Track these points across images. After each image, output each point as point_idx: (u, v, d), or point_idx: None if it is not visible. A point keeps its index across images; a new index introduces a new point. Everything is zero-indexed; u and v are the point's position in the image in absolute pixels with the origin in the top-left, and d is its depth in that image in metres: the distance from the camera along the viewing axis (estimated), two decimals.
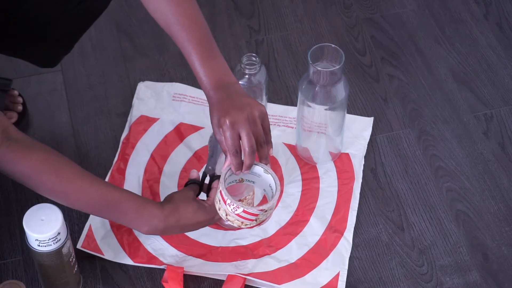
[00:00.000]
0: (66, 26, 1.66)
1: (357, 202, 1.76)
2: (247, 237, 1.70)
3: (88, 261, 1.68)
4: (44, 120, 1.90)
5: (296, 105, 1.81)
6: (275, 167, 1.81)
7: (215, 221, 1.58)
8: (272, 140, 1.84)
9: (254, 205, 1.72)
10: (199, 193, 1.59)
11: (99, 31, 2.05)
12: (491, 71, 2.00)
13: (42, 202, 1.54)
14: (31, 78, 1.97)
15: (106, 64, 2.00)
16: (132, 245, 1.69)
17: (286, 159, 1.82)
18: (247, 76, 1.72)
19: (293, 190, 1.77)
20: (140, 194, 1.76)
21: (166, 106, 1.90)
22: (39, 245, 1.50)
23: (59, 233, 1.50)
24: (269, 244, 1.69)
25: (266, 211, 1.51)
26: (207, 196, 1.58)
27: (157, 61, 2.01)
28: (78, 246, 1.68)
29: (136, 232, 1.70)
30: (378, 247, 1.71)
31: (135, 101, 1.91)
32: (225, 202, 1.49)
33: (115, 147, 1.85)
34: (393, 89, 1.96)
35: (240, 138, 1.48)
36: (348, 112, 1.85)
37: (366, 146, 1.85)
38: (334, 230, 1.71)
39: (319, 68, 1.65)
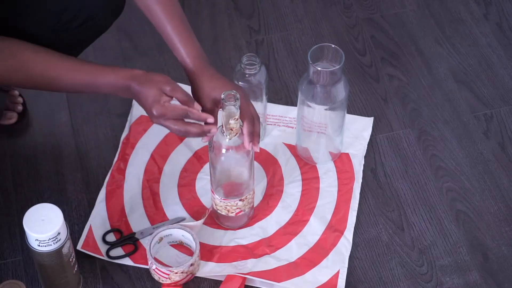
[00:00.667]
0: (69, 42, 1.67)
1: (357, 202, 1.76)
2: (247, 236, 1.70)
3: (88, 261, 1.68)
4: (44, 120, 1.90)
5: (296, 105, 1.81)
6: (275, 167, 1.81)
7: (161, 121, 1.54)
8: (272, 140, 1.86)
9: (254, 206, 1.73)
10: None
11: None
12: (491, 71, 2.00)
13: (42, 202, 1.54)
14: None
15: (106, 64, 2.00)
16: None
17: (286, 159, 1.82)
18: (247, 76, 1.72)
19: (293, 190, 1.77)
20: (140, 194, 1.76)
21: None
22: (39, 245, 1.50)
23: (59, 233, 1.50)
24: (269, 243, 1.69)
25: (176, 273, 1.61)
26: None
27: (157, 61, 2.01)
28: (78, 247, 1.68)
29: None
30: (378, 247, 1.71)
31: (135, 101, 1.91)
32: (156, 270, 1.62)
33: (115, 147, 1.85)
34: (393, 89, 1.97)
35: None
36: (348, 112, 1.85)
37: (366, 146, 1.85)
38: (334, 229, 1.71)
39: (319, 68, 1.65)
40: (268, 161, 1.82)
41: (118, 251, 1.68)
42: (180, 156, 1.83)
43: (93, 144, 1.86)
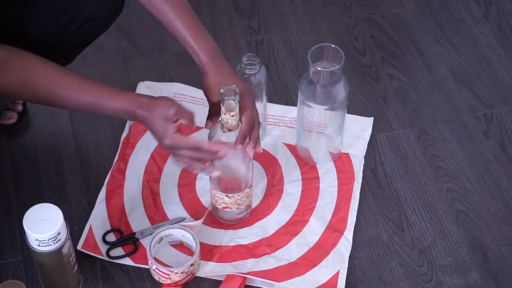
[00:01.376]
0: (69, 43, 1.67)
1: (357, 202, 1.76)
2: (247, 236, 1.70)
3: (88, 261, 1.68)
4: (44, 120, 1.90)
5: (296, 105, 1.81)
6: (275, 167, 1.81)
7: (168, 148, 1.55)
8: (272, 140, 1.86)
9: (254, 206, 1.73)
10: None
11: None
12: (491, 71, 2.00)
13: (42, 202, 1.54)
14: None
15: (106, 64, 2.00)
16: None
17: (286, 159, 1.82)
18: (247, 76, 1.72)
19: (293, 190, 1.78)
20: (140, 194, 1.76)
21: None
22: (39, 245, 1.50)
23: (59, 233, 1.50)
24: (269, 243, 1.70)
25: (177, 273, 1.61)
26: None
27: (157, 61, 2.01)
28: (78, 247, 1.68)
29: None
30: (378, 247, 1.71)
31: None
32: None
33: (115, 147, 1.85)
34: (393, 89, 1.96)
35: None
36: (348, 112, 1.85)
37: (366, 146, 1.85)
38: (334, 229, 1.71)
39: (319, 68, 1.65)
40: (268, 161, 1.82)
41: (118, 251, 1.68)
42: None
43: (93, 144, 1.86)
